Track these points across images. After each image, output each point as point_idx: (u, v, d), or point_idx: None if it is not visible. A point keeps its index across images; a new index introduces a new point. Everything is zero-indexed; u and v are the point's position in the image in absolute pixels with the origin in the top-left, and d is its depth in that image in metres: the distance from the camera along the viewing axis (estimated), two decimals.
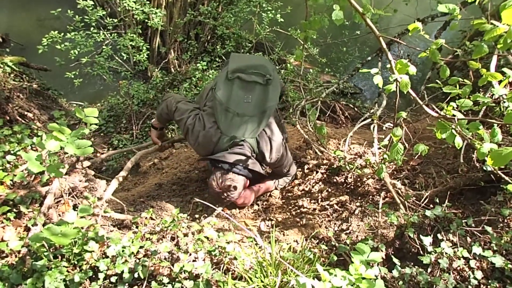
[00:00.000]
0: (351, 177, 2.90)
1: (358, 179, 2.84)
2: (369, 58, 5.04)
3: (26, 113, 4.84)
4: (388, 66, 1.98)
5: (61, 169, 2.38)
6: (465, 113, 2.20)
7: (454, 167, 2.74)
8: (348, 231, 2.54)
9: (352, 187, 2.86)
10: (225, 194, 2.54)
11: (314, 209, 2.84)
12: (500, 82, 2.06)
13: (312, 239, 2.57)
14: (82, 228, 1.89)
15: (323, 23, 2.58)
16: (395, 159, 2.28)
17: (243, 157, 2.54)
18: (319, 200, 2.90)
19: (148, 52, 5.33)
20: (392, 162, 2.73)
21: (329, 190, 2.93)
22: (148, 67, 6.37)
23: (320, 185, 2.98)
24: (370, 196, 2.73)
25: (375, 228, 2.41)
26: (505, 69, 1.94)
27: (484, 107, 2.62)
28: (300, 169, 3.17)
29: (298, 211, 2.85)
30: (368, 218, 2.55)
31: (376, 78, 2.06)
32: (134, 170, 4.46)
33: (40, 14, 7.93)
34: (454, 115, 1.93)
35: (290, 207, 2.91)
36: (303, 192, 3.00)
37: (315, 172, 3.06)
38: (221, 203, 2.68)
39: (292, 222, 2.77)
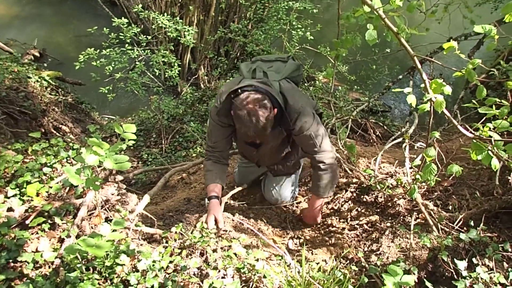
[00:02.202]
0: (381, 197, 2.86)
1: (389, 199, 2.80)
2: (400, 76, 5.00)
3: (60, 126, 5.00)
4: (422, 85, 1.96)
5: (97, 183, 2.45)
6: (500, 134, 2.14)
7: (489, 189, 2.67)
8: (378, 252, 2.50)
9: (382, 207, 2.82)
10: (256, 109, 2.19)
11: (343, 228, 2.81)
12: None
13: (342, 259, 2.53)
14: (114, 241, 1.92)
15: (356, 42, 2.58)
16: (428, 180, 2.24)
17: (265, 85, 2.36)
18: (349, 219, 2.87)
19: (180, 68, 5.43)
20: (424, 183, 2.67)
21: (359, 209, 2.89)
22: (178, 82, 6.50)
23: (349, 204, 2.95)
24: (401, 217, 2.68)
25: (407, 250, 2.36)
26: None
27: None
28: None
29: (327, 229, 2.82)
30: (399, 240, 2.50)
31: (409, 98, 2.05)
32: (163, 184, 4.51)
33: (77, 31, 8.23)
34: (490, 136, 1.88)
35: (319, 226, 2.89)
36: (332, 210, 2.97)
37: (344, 191, 3.04)
38: (250, 131, 2.24)
39: (321, 241, 2.74)
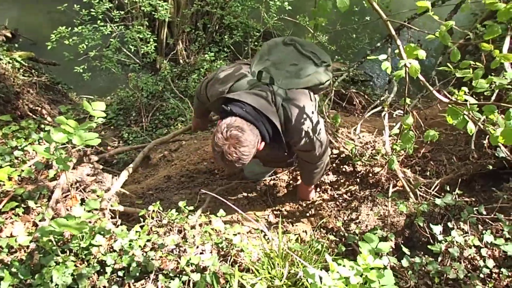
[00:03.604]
0: (361, 166, 2.86)
1: (368, 169, 2.80)
2: (379, 44, 4.95)
3: (36, 108, 4.87)
4: (397, 51, 1.93)
5: (68, 163, 2.40)
6: (477, 98, 2.13)
7: (466, 154, 2.69)
8: (357, 221, 2.52)
9: (362, 176, 2.82)
10: (232, 149, 1.89)
11: (323, 199, 2.82)
12: None
13: (321, 229, 2.55)
14: (89, 222, 1.89)
15: (327, 7, 2.51)
16: (406, 148, 2.24)
17: (263, 101, 2.04)
18: (329, 190, 2.87)
19: (156, 44, 5.31)
20: (403, 151, 2.68)
21: (339, 179, 2.90)
22: (156, 59, 6.37)
23: (329, 175, 2.94)
24: (380, 185, 2.69)
25: (385, 217, 2.38)
26: None
27: (497, 91, 2.56)
28: None
29: (308, 201, 2.82)
30: (378, 208, 2.52)
31: (384, 65, 2.02)
32: (145, 163, 4.47)
33: (49, 10, 7.95)
34: (466, 100, 1.87)
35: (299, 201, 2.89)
36: None
37: None
38: (226, 167, 2.12)
39: (301, 212, 2.75)
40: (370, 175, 2.77)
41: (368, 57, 2.71)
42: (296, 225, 2.62)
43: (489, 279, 1.85)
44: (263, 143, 2.06)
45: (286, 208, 2.78)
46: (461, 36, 4.32)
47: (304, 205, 2.80)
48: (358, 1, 6.12)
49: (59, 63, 6.21)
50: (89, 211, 1.87)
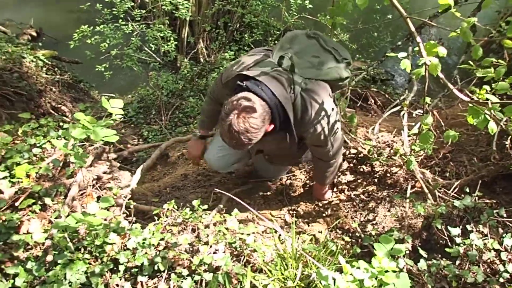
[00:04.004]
0: (379, 167, 2.81)
1: (386, 169, 2.75)
2: (399, 43, 4.87)
3: (59, 106, 4.96)
4: (417, 49, 1.88)
5: (85, 159, 2.42)
6: (499, 97, 2.07)
7: (487, 155, 2.61)
8: (374, 222, 2.47)
9: (379, 176, 2.78)
10: (238, 120, 1.84)
11: (341, 199, 2.78)
12: None
13: (337, 229, 2.51)
14: (104, 219, 1.91)
15: (347, 8, 2.48)
16: (425, 148, 2.19)
17: (280, 86, 1.99)
18: (346, 190, 2.83)
19: (177, 42, 5.34)
20: (422, 151, 2.62)
21: (356, 179, 2.85)
22: (177, 57, 6.41)
23: (347, 175, 2.90)
24: (398, 186, 2.64)
25: (402, 219, 2.33)
26: None
27: None
28: None
29: (325, 201, 2.79)
30: (395, 209, 2.47)
31: (403, 63, 1.97)
32: (164, 161, 4.50)
33: (73, 9, 8.09)
34: (487, 99, 1.81)
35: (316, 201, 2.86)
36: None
37: (343, 162, 2.99)
38: (233, 144, 1.95)
39: (318, 212, 2.72)
40: (388, 175, 2.72)
41: (387, 54, 2.64)
42: (312, 225, 2.59)
43: (509, 284, 1.78)
44: (272, 126, 2.02)
45: (302, 208, 2.76)
46: (485, 34, 4.21)
47: (321, 205, 2.77)
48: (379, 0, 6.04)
49: (81, 61, 6.32)
50: (104, 208, 1.88)
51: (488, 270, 1.85)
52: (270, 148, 2.48)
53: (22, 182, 2.26)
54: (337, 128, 2.24)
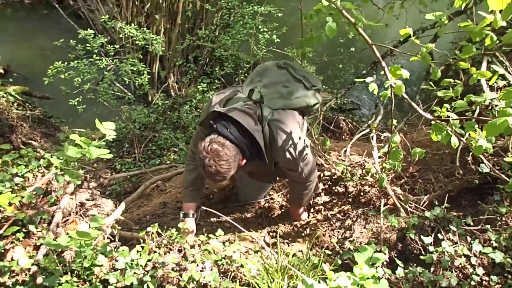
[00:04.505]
0: (353, 186, 2.95)
1: (359, 188, 2.89)
2: (364, 72, 5.15)
3: (29, 141, 4.93)
4: (382, 73, 2.05)
5: (68, 188, 2.46)
6: (458, 114, 2.25)
7: (452, 172, 2.80)
8: (351, 239, 2.59)
9: (353, 196, 2.91)
10: (212, 162, 2.01)
11: (318, 219, 2.89)
12: (490, 79, 2.12)
13: (316, 248, 2.60)
14: (92, 240, 1.94)
15: (321, 39, 2.65)
16: (395, 166, 2.35)
17: (250, 119, 2.13)
18: (322, 210, 2.95)
19: (149, 76, 5.45)
20: (392, 170, 2.78)
21: (332, 200, 2.98)
22: (148, 91, 6.50)
23: (322, 196, 3.03)
24: (372, 204, 2.77)
25: (378, 233, 2.45)
26: (493, 66, 2.01)
27: (478, 108, 2.70)
28: None
29: (302, 222, 2.89)
30: (371, 225, 2.60)
31: (371, 86, 2.14)
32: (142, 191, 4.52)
33: (41, 46, 8.12)
34: (448, 116, 1.99)
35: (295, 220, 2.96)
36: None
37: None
38: (209, 179, 2.19)
39: (297, 233, 2.81)
40: (362, 194, 2.86)
41: (355, 80, 2.83)
42: (292, 245, 2.67)
43: (479, 286, 1.92)
44: (244, 160, 2.18)
45: (281, 229, 2.85)
46: (441, 63, 4.53)
47: (299, 225, 2.87)
48: (343, 34, 6.37)
49: (52, 97, 6.32)
50: (92, 228, 1.91)
51: (460, 274, 1.98)
52: (251, 170, 2.62)
53: (5, 210, 2.27)
54: (306, 154, 2.36)
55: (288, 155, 2.28)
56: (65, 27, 8.29)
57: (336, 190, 3.01)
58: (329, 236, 2.70)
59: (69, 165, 1.76)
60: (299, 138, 2.30)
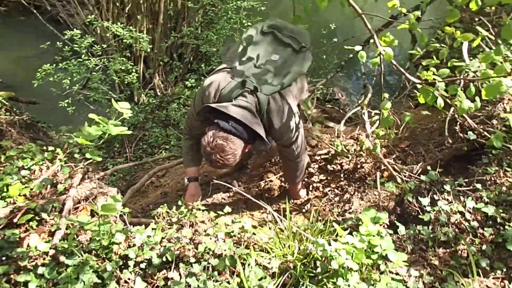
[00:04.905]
0: (347, 163, 3.08)
1: (355, 163, 3.01)
2: (351, 55, 5.35)
3: (18, 146, 4.93)
4: (372, 41, 2.17)
5: (74, 178, 2.53)
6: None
7: (440, 143, 2.95)
8: (351, 211, 2.71)
9: (349, 172, 3.04)
10: (218, 157, 2.12)
11: (316, 196, 3.01)
12: (473, 41, 2.24)
13: (318, 222, 2.72)
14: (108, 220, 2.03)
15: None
16: (388, 134, 2.48)
17: (248, 114, 2.20)
18: (320, 187, 3.07)
19: (137, 74, 5.51)
20: (385, 139, 2.90)
21: (328, 177, 3.10)
22: (135, 92, 6.55)
23: (319, 174, 3.15)
24: (367, 178, 2.90)
25: (376, 203, 2.58)
26: (478, 27, 2.14)
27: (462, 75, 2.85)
28: None
29: (302, 200, 3.01)
30: (369, 196, 2.73)
31: (360, 54, 2.27)
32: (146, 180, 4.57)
33: (21, 53, 8.07)
34: (434, 79, 2.12)
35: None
36: (303, 182, 3.16)
37: (313, 163, 3.23)
38: (214, 167, 2.28)
39: (297, 209, 2.93)
40: (357, 170, 2.99)
41: (345, 47, 2.91)
42: (294, 220, 2.79)
43: (475, 238, 2.06)
44: (249, 146, 2.29)
45: (282, 207, 2.95)
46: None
47: (299, 203, 2.99)
48: (325, 25, 6.54)
49: (39, 102, 6.31)
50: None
51: (456, 229, 2.12)
52: None
53: (16, 201, 2.33)
54: (299, 133, 2.50)
55: (285, 137, 2.43)
56: (44, 33, 8.23)
57: (332, 168, 3.13)
58: (329, 210, 2.82)
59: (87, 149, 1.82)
60: (295, 119, 2.42)
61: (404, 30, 2.29)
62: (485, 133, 2.57)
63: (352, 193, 2.85)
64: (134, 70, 5.22)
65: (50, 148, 2.81)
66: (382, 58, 2.07)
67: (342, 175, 3.06)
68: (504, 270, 1.94)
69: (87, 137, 1.72)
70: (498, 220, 2.08)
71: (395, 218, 2.37)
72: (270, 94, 2.30)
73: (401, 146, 3.15)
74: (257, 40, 2.49)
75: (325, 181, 3.09)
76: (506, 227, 2.03)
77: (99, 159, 1.89)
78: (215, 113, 2.18)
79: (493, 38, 2.64)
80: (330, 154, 3.17)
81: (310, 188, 3.08)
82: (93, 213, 2.46)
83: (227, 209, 2.37)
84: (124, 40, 5.08)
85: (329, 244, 1.83)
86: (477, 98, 2.25)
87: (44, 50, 5.19)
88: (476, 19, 2.92)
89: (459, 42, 2.09)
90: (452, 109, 2.81)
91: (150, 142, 5.86)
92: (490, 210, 2.09)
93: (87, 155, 1.83)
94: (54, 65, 4.83)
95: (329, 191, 2.99)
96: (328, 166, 3.15)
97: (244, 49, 2.49)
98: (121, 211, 2.38)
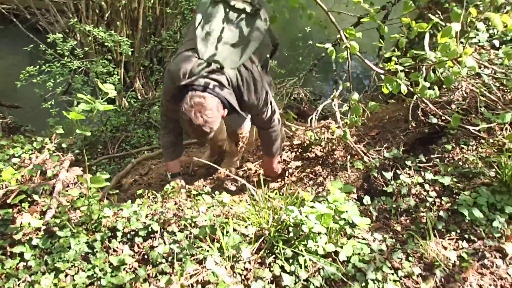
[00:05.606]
0: (321, 151, 3.29)
1: (328, 150, 3.23)
2: (323, 54, 5.63)
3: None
4: (338, 36, 2.40)
5: (63, 164, 2.67)
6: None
7: (406, 129, 3.18)
8: (324, 193, 2.91)
9: (323, 158, 3.25)
10: (198, 115, 2.17)
11: (292, 181, 3.21)
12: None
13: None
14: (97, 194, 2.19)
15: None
16: (356, 120, 2.69)
17: (218, 85, 2.28)
18: (296, 173, 3.27)
19: (118, 77, 5.65)
20: (355, 130, 3.12)
21: (304, 164, 3.31)
22: (116, 96, 6.68)
23: (294, 161, 3.35)
24: (339, 163, 3.12)
25: (347, 181, 2.79)
26: (431, 15, 2.36)
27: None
28: None
29: (278, 184, 3.20)
30: (340, 179, 2.94)
31: (330, 50, 2.49)
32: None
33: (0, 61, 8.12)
34: (396, 68, 2.35)
35: (271, 183, 3.26)
36: (280, 162, 3.34)
37: (290, 152, 3.44)
38: (197, 135, 2.30)
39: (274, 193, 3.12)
40: (330, 156, 3.20)
41: (317, 45, 3.12)
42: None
43: (433, 206, 2.28)
44: (226, 110, 2.34)
45: (260, 192, 3.14)
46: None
47: (276, 187, 3.18)
48: (301, 28, 6.81)
49: (21, 106, 6.41)
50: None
51: (417, 199, 2.34)
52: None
53: (9, 185, 2.46)
54: (268, 101, 2.59)
55: (255, 106, 2.52)
56: (23, 42, 8.33)
57: (306, 156, 3.34)
58: (303, 190, 3.01)
59: (78, 124, 1.98)
60: (263, 87, 2.52)
61: (375, 32, 2.53)
62: (445, 116, 2.80)
63: (325, 176, 3.05)
64: (115, 73, 5.36)
65: (39, 138, 2.95)
66: (349, 52, 2.28)
67: (316, 161, 3.26)
68: (458, 231, 2.16)
69: (77, 116, 1.87)
70: (455, 190, 2.31)
71: (363, 194, 2.58)
72: (235, 67, 2.36)
73: (371, 134, 3.38)
74: (210, 12, 2.45)
75: (301, 167, 3.29)
76: (461, 195, 2.25)
77: (88, 133, 2.04)
78: (188, 89, 2.26)
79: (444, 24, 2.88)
80: (305, 143, 3.38)
81: (287, 174, 3.28)
82: (82, 195, 2.62)
83: (207, 189, 2.55)
84: (106, 44, 5.23)
85: (299, 211, 2.03)
86: (435, 87, 2.48)
87: (24, 58, 5.30)
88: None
89: (416, 31, 2.31)
90: (415, 97, 3.04)
91: (133, 143, 5.98)
92: (446, 180, 2.32)
93: (77, 131, 1.97)
94: (38, 66, 4.94)
95: (304, 176, 3.19)
96: (304, 154, 3.36)
97: (201, 26, 2.45)
98: (109, 192, 2.55)
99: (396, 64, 2.41)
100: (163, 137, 2.85)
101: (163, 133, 2.86)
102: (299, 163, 3.32)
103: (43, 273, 1.94)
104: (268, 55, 2.79)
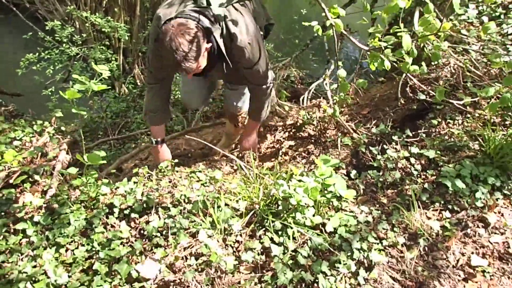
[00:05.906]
0: (313, 130, 3.37)
1: (320, 129, 3.31)
2: (315, 35, 5.66)
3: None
4: (324, 14, 2.45)
5: (62, 145, 2.76)
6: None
7: (396, 107, 3.26)
8: (315, 170, 3.00)
9: (315, 137, 3.33)
10: (180, 39, 2.04)
11: (285, 160, 3.30)
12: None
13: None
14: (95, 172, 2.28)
15: None
16: (344, 96, 2.76)
17: (205, 18, 2.18)
18: (289, 152, 3.35)
19: (117, 63, 5.72)
20: (347, 107, 3.19)
21: (297, 143, 3.39)
22: (115, 83, 6.77)
23: (288, 141, 3.43)
24: (330, 142, 3.20)
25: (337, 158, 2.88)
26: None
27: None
28: (269, 133, 3.63)
29: (272, 162, 3.29)
30: (331, 156, 3.02)
31: (316, 28, 2.54)
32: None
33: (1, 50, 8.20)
34: (380, 45, 2.41)
35: (264, 162, 3.35)
36: (274, 148, 3.44)
37: (283, 132, 3.52)
38: (177, 63, 2.10)
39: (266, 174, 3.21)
40: (322, 134, 3.28)
41: (303, 23, 3.15)
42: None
43: (418, 179, 2.36)
44: (210, 44, 2.22)
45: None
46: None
47: (270, 166, 3.27)
48: (297, 11, 6.83)
49: (23, 94, 6.50)
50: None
51: (403, 173, 2.42)
52: (223, 76, 2.82)
53: (11, 166, 2.56)
54: (260, 52, 2.48)
55: (246, 51, 2.38)
56: (23, 30, 8.40)
57: (300, 135, 3.42)
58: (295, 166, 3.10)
59: (74, 103, 2.07)
60: (256, 36, 2.42)
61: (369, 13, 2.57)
62: (433, 93, 2.87)
63: (317, 154, 3.13)
64: (114, 59, 5.43)
65: (39, 121, 3.05)
66: (334, 30, 2.34)
67: (309, 140, 3.35)
68: (442, 202, 2.25)
69: (73, 94, 1.96)
70: (440, 163, 2.39)
71: (351, 169, 2.66)
72: (224, 5, 2.28)
73: (363, 113, 3.45)
74: None
75: (294, 146, 3.38)
76: (444, 167, 2.33)
77: (84, 113, 2.13)
78: None
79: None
80: (298, 123, 3.46)
81: (280, 153, 3.37)
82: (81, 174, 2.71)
83: (202, 167, 2.64)
84: (104, 30, 5.29)
85: (288, 185, 2.12)
86: (423, 63, 2.54)
87: (23, 46, 5.37)
88: None
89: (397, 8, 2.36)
90: (404, 74, 3.11)
91: (133, 129, 6.07)
92: (431, 154, 2.40)
93: (73, 110, 2.06)
94: (37, 54, 5.02)
95: (297, 155, 3.27)
96: (297, 134, 3.45)
97: None
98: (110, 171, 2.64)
99: (380, 40, 2.46)
100: (149, 90, 2.72)
101: (148, 87, 2.72)
102: (292, 143, 3.41)
103: (45, 248, 2.05)
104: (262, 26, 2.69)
